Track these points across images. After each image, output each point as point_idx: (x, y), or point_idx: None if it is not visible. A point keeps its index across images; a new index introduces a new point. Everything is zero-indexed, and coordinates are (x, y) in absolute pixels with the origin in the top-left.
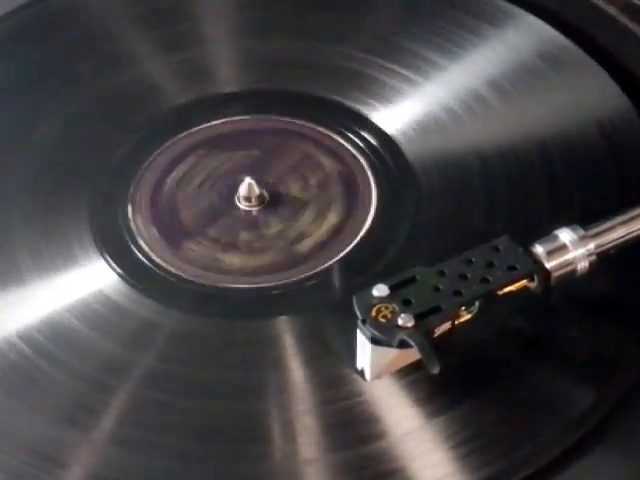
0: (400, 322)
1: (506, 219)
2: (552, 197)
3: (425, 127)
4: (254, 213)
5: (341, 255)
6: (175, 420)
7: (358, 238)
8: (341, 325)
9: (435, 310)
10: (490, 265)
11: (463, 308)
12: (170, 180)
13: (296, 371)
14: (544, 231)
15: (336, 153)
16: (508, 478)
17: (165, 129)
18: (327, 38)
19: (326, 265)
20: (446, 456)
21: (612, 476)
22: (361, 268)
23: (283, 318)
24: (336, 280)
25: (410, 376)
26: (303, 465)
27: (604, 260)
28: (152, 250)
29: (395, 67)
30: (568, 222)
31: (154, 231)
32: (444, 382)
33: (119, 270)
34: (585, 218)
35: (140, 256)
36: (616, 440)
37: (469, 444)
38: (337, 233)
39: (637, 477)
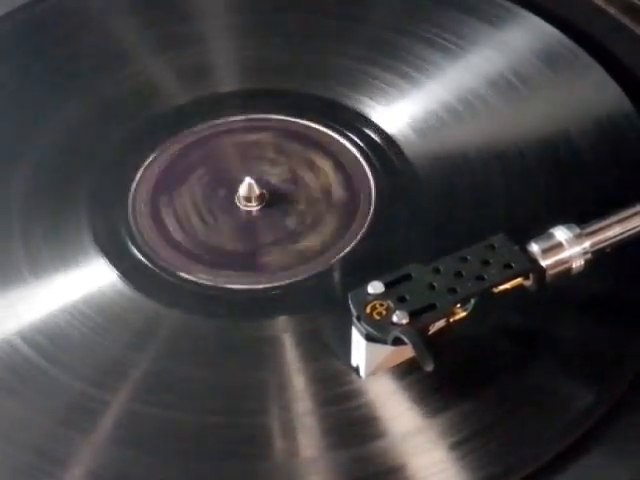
0: (395, 319)
1: (505, 218)
2: (551, 196)
3: (425, 127)
4: (254, 213)
5: (341, 255)
6: (175, 420)
7: (358, 238)
8: (341, 325)
9: (430, 307)
10: (485, 263)
11: (458, 306)
12: (176, 206)
13: (296, 371)
14: (543, 230)
15: (336, 153)
16: (508, 478)
17: (165, 129)
18: (327, 38)
19: (326, 265)
20: (446, 456)
21: (612, 476)
22: (361, 268)
23: (283, 318)
24: (336, 280)
25: (410, 376)
26: (303, 465)
27: (603, 259)
28: (152, 250)
29: (395, 67)
30: (566, 221)
31: (155, 231)
32: (444, 382)
33: (119, 270)
34: (584, 217)
35: (140, 256)
36: (616, 440)
37: (469, 444)
38: (337, 233)
39: (637, 477)
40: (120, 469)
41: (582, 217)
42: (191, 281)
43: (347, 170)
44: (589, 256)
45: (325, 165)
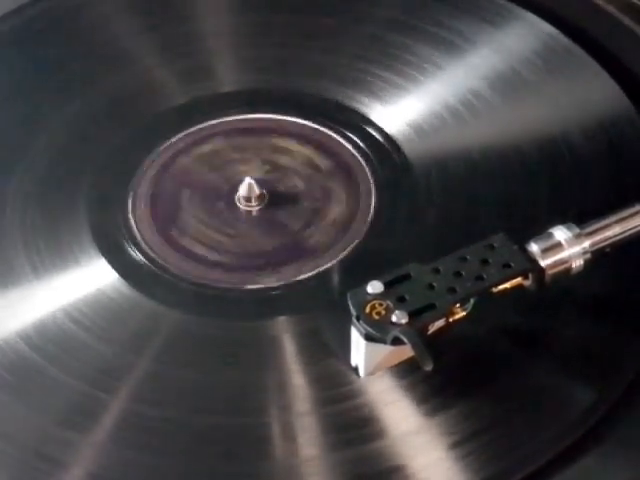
0: (394, 319)
1: (505, 218)
2: (551, 196)
3: (425, 127)
4: (254, 213)
5: (341, 255)
6: (174, 420)
7: (358, 238)
8: (341, 325)
9: (429, 307)
10: (485, 263)
11: (458, 305)
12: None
13: (296, 371)
14: (543, 230)
15: (336, 153)
16: (508, 478)
17: (165, 129)
18: (327, 38)
19: (326, 265)
20: (446, 456)
21: (612, 476)
22: (361, 268)
23: (283, 318)
24: (336, 280)
25: (410, 376)
26: (303, 465)
27: (603, 259)
28: (152, 250)
29: (395, 66)
30: (566, 221)
31: (155, 231)
32: (443, 382)
33: (119, 270)
34: (583, 217)
35: (140, 256)
36: (616, 440)
37: (469, 444)
38: (337, 233)
39: (637, 477)
40: (120, 470)
41: (582, 217)
42: (191, 281)
43: (347, 170)
44: (588, 256)
45: (325, 165)
